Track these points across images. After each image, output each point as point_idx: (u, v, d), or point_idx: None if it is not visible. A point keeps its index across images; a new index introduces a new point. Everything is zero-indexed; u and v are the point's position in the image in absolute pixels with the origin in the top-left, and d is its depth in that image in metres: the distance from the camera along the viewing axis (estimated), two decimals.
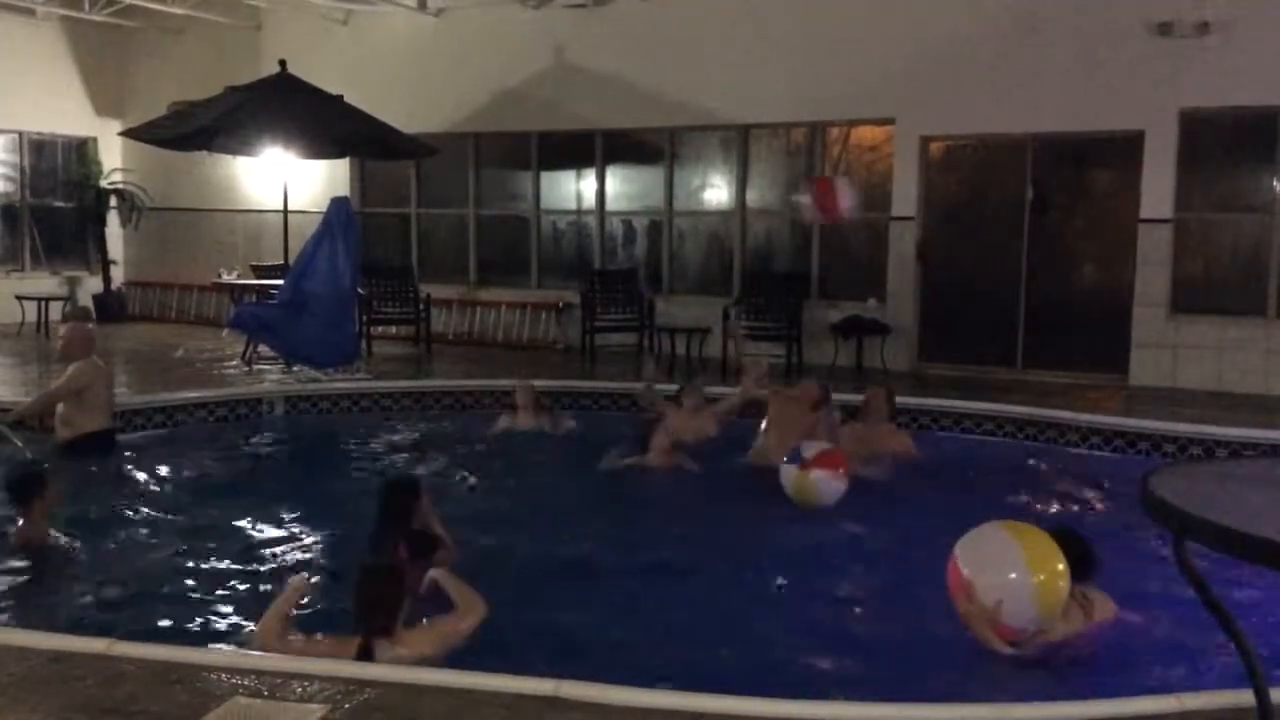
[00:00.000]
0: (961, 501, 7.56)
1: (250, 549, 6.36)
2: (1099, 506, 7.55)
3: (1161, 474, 2.83)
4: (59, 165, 16.25)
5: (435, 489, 6.50)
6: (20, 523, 5.94)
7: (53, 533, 6.07)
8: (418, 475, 6.03)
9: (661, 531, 6.85)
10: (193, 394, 9.82)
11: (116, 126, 15.16)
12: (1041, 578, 4.49)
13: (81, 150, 16.27)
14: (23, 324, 14.41)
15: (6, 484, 6.11)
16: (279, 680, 3.74)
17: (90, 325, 9.19)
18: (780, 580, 5.78)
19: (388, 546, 5.00)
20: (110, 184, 16.04)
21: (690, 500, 7.56)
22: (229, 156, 14.28)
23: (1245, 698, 3.02)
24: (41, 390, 8.54)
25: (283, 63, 12.37)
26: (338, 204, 10.96)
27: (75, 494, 6.98)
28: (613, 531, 6.86)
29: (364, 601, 4.29)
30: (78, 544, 6.17)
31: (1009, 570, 4.49)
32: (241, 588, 5.68)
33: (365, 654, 4.11)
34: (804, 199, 8.75)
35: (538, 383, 10.39)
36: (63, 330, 8.73)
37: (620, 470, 7.88)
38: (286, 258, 12.22)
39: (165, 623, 5.10)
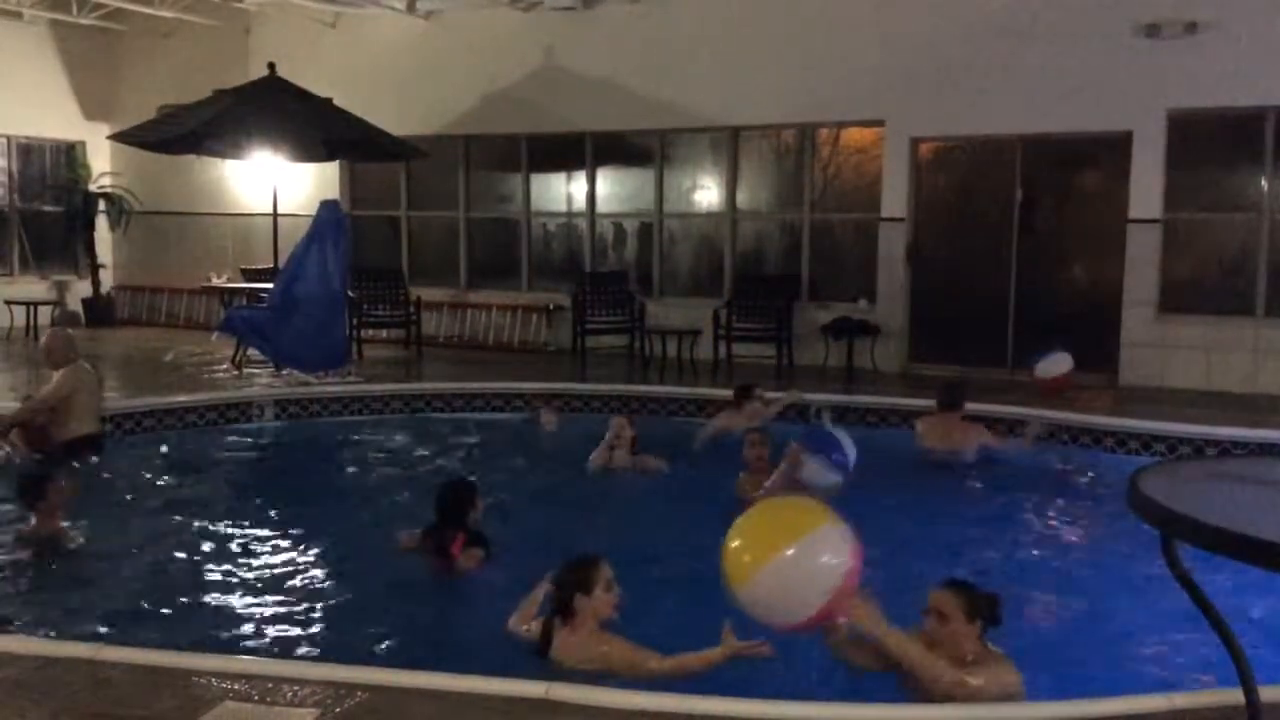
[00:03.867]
0: (952, 501, 7.60)
1: (239, 552, 6.34)
2: (1089, 505, 7.57)
3: (1149, 473, 2.84)
4: (47, 169, 16.20)
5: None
6: (32, 522, 6.09)
7: (68, 531, 6.15)
8: (473, 480, 6.20)
9: (647, 532, 6.85)
10: (182, 398, 9.79)
11: (105, 130, 15.10)
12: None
13: (70, 154, 16.21)
14: (11, 329, 14.36)
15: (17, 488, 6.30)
16: (269, 684, 3.73)
17: (68, 330, 9.16)
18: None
19: (447, 537, 5.59)
20: (99, 188, 15.98)
21: (673, 501, 7.56)
22: (218, 160, 14.24)
23: (1235, 696, 3.02)
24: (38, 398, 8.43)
25: (272, 65, 12.35)
26: (328, 207, 10.95)
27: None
28: (600, 532, 6.85)
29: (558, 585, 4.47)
30: (83, 544, 6.19)
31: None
32: (230, 592, 5.67)
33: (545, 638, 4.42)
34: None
35: (529, 385, 10.44)
36: (44, 342, 8.70)
37: (600, 470, 7.93)
38: (276, 261, 12.19)
39: (153, 627, 5.08)
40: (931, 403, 8.95)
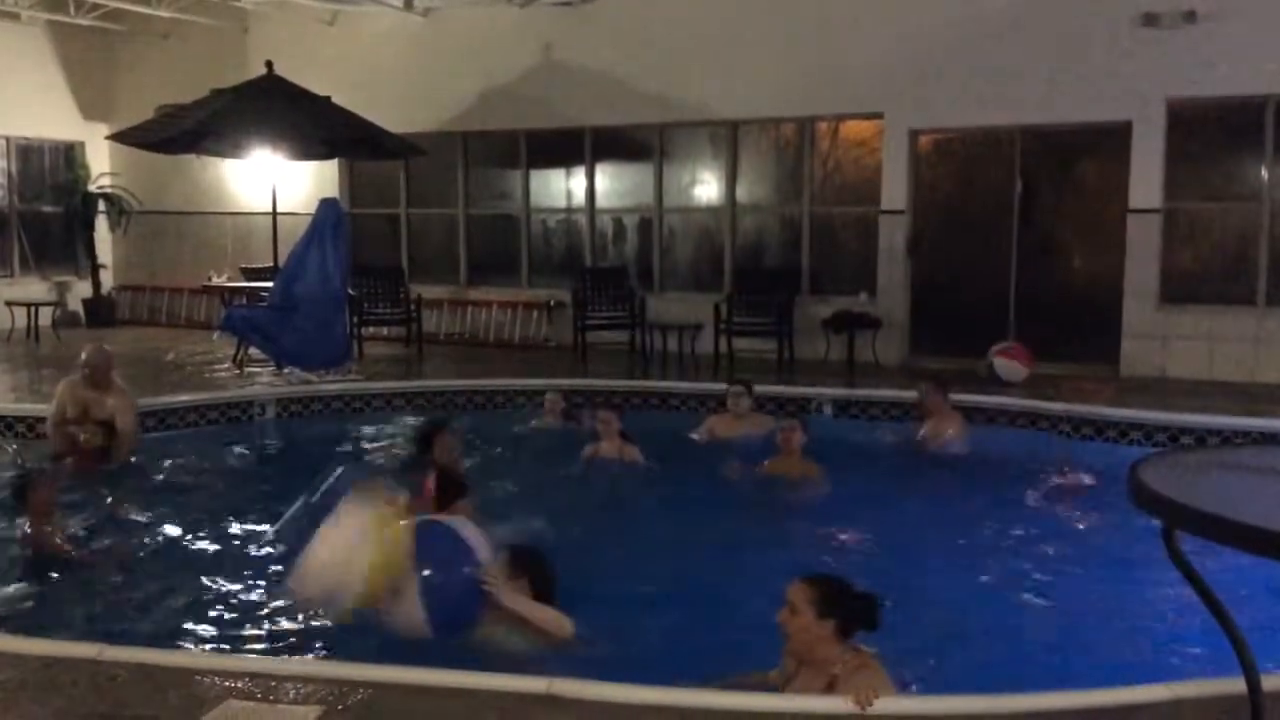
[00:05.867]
0: (952, 493, 7.61)
1: (241, 551, 6.34)
2: (1091, 497, 7.57)
3: (1150, 463, 2.83)
4: (46, 170, 16.19)
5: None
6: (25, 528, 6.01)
7: (59, 537, 6.06)
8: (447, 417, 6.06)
9: (643, 527, 6.86)
10: (184, 398, 9.78)
11: (104, 130, 15.09)
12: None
13: (69, 154, 16.21)
14: (12, 330, 14.36)
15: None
16: (272, 682, 3.73)
17: (107, 347, 8.75)
18: None
19: (418, 478, 5.47)
20: (98, 188, 15.98)
21: (663, 496, 7.57)
22: (217, 159, 14.23)
23: (1237, 686, 3.02)
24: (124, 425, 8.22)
25: (269, 64, 12.33)
26: (327, 205, 10.95)
27: (73, 501, 7.01)
28: (596, 527, 6.87)
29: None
30: (83, 548, 6.15)
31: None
32: (233, 591, 5.67)
33: None
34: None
35: (530, 382, 10.44)
36: (86, 353, 8.28)
37: (586, 461, 7.99)
38: (276, 260, 12.19)
39: (157, 627, 5.09)
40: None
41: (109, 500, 7.27)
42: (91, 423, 7.98)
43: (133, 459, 8.29)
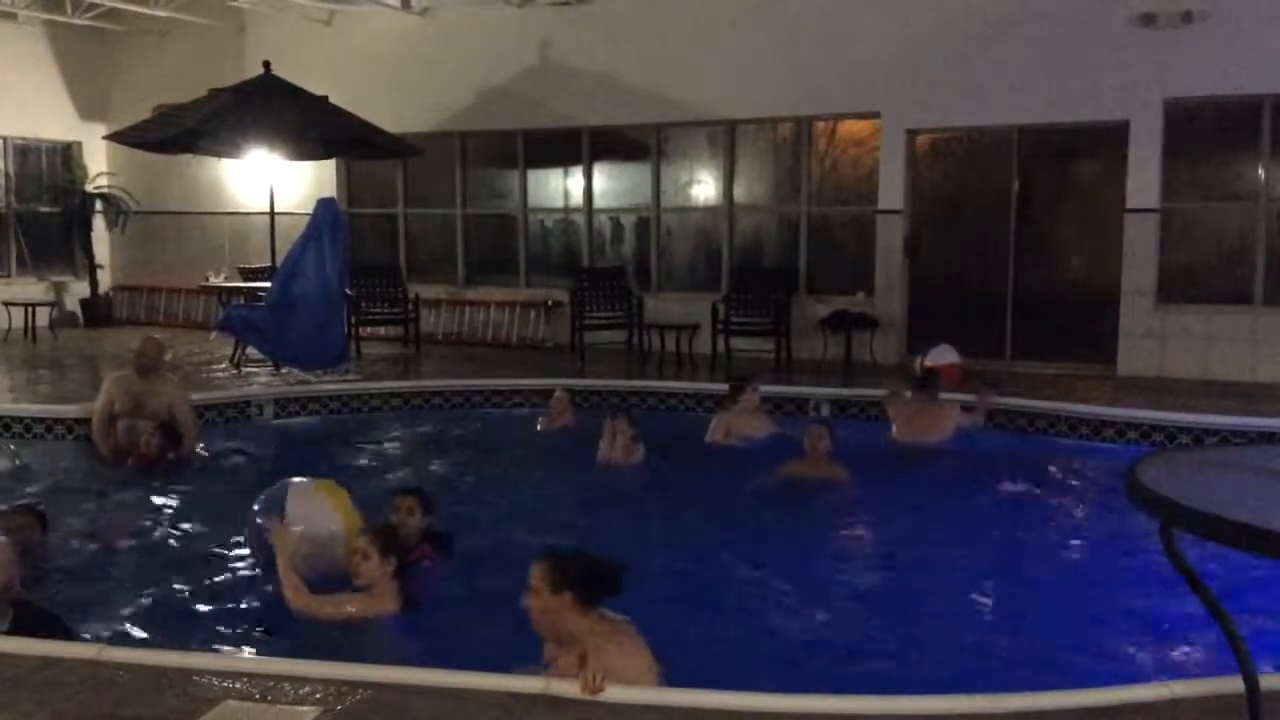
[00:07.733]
0: (950, 491, 7.61)
1: (239, 551, 6.33)
2: (1088, 496, 7.58)
3: (1148, 463, 2.83)
4: (44, 170, 16.17)
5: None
6: None
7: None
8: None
9: (645, 526, 6.86)
10: None
11: (101, 130, 15.08)
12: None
13: (66, 155, 16.19)
14: (9, 330, 14.34)
15: None
16: (270, 683, 3.73)
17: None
18: None
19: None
20: (95, 188, 15.96)
21: (667, 497, 7.56)
22: (214, 159, 14.22)
23: (1235, 685, 3.02)
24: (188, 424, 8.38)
25: (267, 64, 12.32)
26: (324, 205, 10.93)
27: (74, 501, 7.01)
28: (598, 527, 6.86)
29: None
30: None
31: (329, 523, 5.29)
32: (231, 591, 5.67)
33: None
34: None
35: (528, 382, 10.44)
36: (138, 343, 8.54)
37: (602, 465, 8.00)
38: (274, 259, 12.17)
39: (155, 627, 5.08)
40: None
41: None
42: (144, 418, 8.05)
43: (199, 449, 8.39)
